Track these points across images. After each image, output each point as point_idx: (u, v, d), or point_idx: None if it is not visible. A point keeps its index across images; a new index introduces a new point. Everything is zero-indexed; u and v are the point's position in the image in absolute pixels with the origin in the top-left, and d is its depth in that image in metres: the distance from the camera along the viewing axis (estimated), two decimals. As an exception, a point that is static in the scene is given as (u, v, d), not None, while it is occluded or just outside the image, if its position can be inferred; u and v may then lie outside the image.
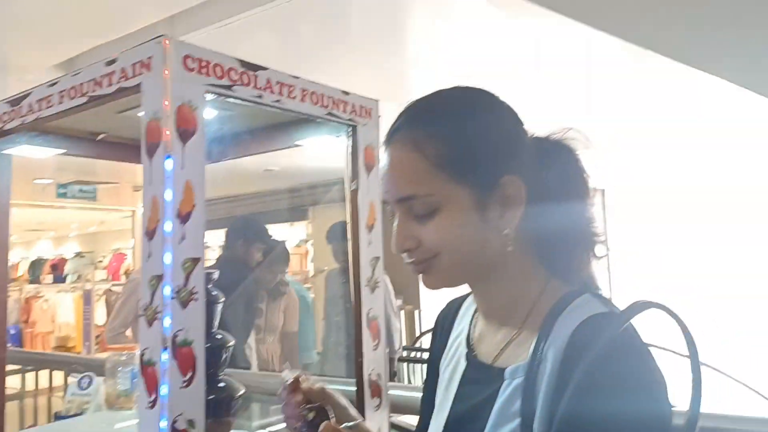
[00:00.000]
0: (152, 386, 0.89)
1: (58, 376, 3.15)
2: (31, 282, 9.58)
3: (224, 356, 1.24)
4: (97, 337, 6.25)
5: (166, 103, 0.93)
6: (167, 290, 0.89)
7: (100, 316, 7.49)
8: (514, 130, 0.80)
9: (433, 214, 0.75)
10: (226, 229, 3.27)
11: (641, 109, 4.31)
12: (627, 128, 4.83)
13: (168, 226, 0.91)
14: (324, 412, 0.85)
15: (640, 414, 0.65)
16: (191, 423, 0.90)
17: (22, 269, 10.09)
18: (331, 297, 4.06)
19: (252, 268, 3.20)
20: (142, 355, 0.91)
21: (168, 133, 0.92)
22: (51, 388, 3.25)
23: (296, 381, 0.88)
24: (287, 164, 5.38)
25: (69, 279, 9.22)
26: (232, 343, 1.26)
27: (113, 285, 8.35)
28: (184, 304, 0.92)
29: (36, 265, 10.18)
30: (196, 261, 0.94)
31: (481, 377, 0.80)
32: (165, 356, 0.89)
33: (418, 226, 0.76)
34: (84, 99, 1.10)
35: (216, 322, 1.26)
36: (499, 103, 0.81)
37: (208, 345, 1.21)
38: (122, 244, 9.24)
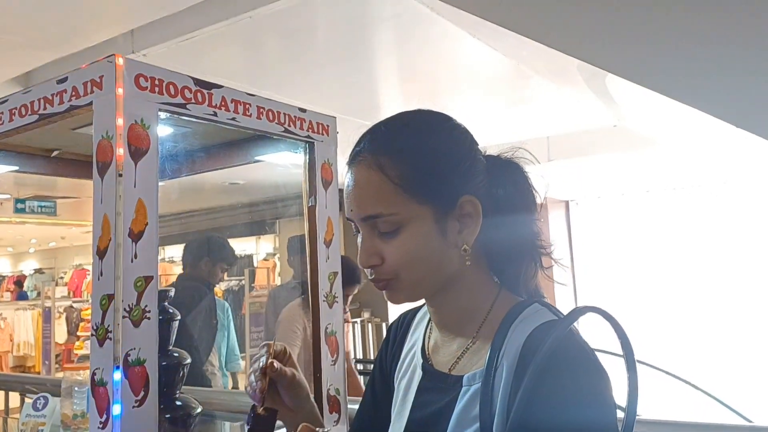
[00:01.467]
0: (103, 407, 0.88)
1: (15, 398, 3.06)
2: (-12, 300, 9.29)
3: (180, 374, 1.24)
4: (57, 356, 6.08)
5: (119, 121, 0.93)
6: (118, 310, 0.89)
7: (60, 334, 7.29)
8: (471, 153, 0.84)
9: (396, 232, 0.78)
10: (185, 246, 3.24)
11: (603, 121, 4.42)
12: (589, 140, 4.94)
13: (119, 245, 0.90)
14: (273, 414, 0.83)
15: (586, 419, 0.68)
16: (143, 443, 0.89)
17: (-21, 287, 9.79)
18: (272, 311, 3.98)
19: (213, 285, 3.17)
20: (93, 375, 0.90)
21: (119, 152, 0.92)
22: (8, 410, 3.15)
23: (266, 366, 0.86)
24: (252, 177, 5.35)
25: (29, 296, 8.98)
26: (188, 360, 1.25)
27: (74, 302, 8.15)
28: (137, 323, 0.91)
29: (-7, 283, 9.90)
30: (148, 280, 0.93)
31: (438, 386, 0.82)
32: (117, 376, 0.88)
33: (382, 244, 0.79)
34: (35, 117, 1.09)
35: (172, 340, 1.25)
36: (457, 126, 0.85)
37: (164, 363, 1.21)
38: (83, 259, 9.04)
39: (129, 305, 0.90)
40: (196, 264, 3.13)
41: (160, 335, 1.23)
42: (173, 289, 1.28)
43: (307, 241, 1.28)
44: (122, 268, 0.90)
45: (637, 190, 7.22)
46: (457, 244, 0.79)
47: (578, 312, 0.75)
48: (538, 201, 0.90)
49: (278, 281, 6.87)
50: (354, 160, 0.82)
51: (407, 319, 0.96)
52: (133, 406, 0.89)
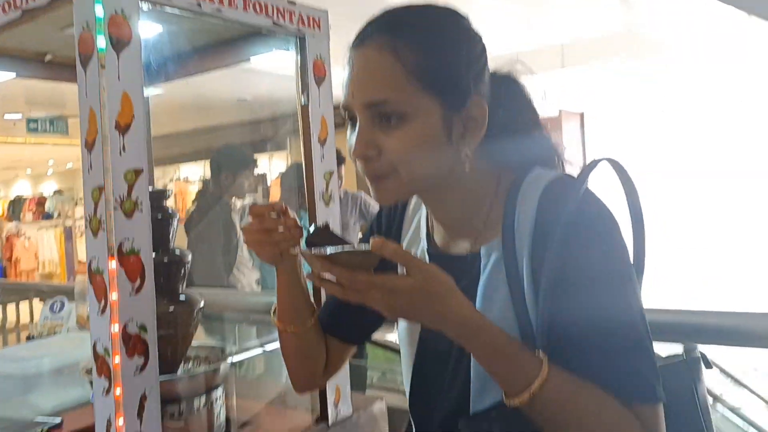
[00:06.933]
0: (101, 293, 0.91)
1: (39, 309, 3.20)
2: (11, 220, 9.53)
3: (183, 271, 1.27)
4: (80, 272, 6.30)
5: (98, 11, 0.91)
6: (109, 201, 0.90)
7: (82, 251, 7.50)
8: (484, 57, 0.81)
9: (400, 123, 0.74)
10: (208, 161, 3.18)
11: (619, 25, 4.25)
12: (605, 48, 4.78)
13: (106, 137, 0.91)
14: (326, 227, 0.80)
15: (616, 262, 0.72)
16: (143, 328, 0.93)
17: (1, 208, 10.02)
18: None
19: (237, 198, 3.12)
20: (90, 264, 0.93)
21: (101, 42, 0.91)
22: (33, 321, 3.31)
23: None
24: (259, 93, 5.30)
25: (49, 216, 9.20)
26: (189, 258, 1.28)
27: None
28: (129, 214, 0.93)
29: (16, 204, 10.11)
30: (138, 172, 0.94)
31: (452, 270, 0.78)
32: (112, 265, 0.91)
33: (381, 135, 0.75)
34: (18, 13, 1.07)
35: (172, 238, 1.28)
36: (472, 26, 0.81)
37: (166, 260, 1.25)
38: (101, 179, 9.13)
39: (120, 197, 0.92)
40: (217, 178, 3.09)
41: (161, 233, 1.27)
42: (169, 190, 1.30)
43: (301, 141, 1.28)
44: (111, 160, 0.91)
45: (652, 109, 7.05)
46: (459, 147, 0.77)
47: (591, 166, 0.76)
48: (542, 114, 0.89)
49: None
50: (363, 41, 0.77)
51: (399, 205, 0.95)
52: (130, 294, 0.92)
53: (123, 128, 0.93)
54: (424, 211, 0.90)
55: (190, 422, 1.21)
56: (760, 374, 3.42)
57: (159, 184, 9.71)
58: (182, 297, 1.28)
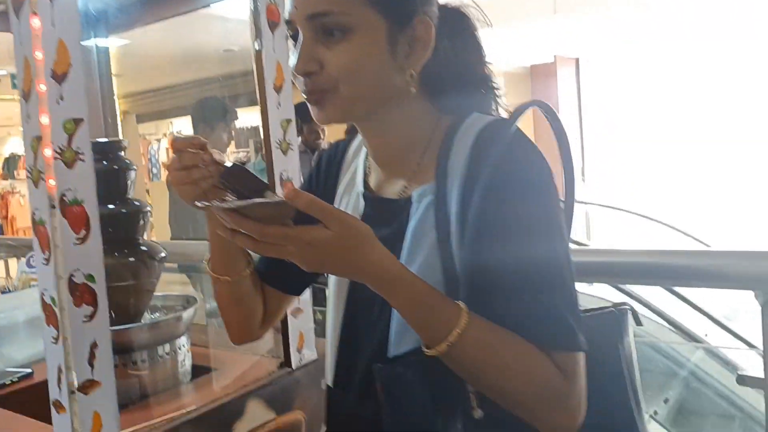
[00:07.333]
0: (45, 244, 0.91)
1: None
2: (6, 178, 9.51)
3: (141, 221, 1.27)
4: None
5: (27, -46, 0.88)
6: (47, 151, 0.89)
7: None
8: None
9: (343, 37, 0.72)
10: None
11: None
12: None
13: (42, 86, 0.89)
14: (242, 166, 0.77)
15: (543, 206, 0.71)
16: (90, 277, 0.94)
17: (-5, 166, 9.99)
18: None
19: (222, 149, 3.12)
20: (33, 215, 0.93)
21: (31, -13, 0.88)
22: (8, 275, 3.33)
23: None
24: (246, 44, 5.18)
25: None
26: (148, 208, 1.28)
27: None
28: (70, 164, 0.92)
29: (10, 162, 10.07)
30: (78, 122, 0.93)
31: (384, 214, 0.81)
32: (55, 215, 0.90)
33: (324, 49, 0.73)
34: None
35: (130, 189, 1.27)
36: None
37: (124, 210, 1.25)
38: (93, 135, 9.06)
39: (60, 147, 0.91)
40: (196, 131, 3.07)
41: (117, 184, 1.27)
42: (127, 141, 1.29)
43: (256, 88, 1.26)
44: (48, 109, 0.90)
45: (646, 44, 6.90)
46: (404, 66, 0.75)
47: (522, 108, 0.75)
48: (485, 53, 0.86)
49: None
50: None
51: (340, 148, 0.94)
52: (74, 243, 0.92)
53: (60, 77, 0.91)
54: (363, 155, 0.89)
55: (155, 370, 1.24)
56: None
57: (152, 139, 9.63)
58: (143, 247, 1.28)
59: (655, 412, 3.26)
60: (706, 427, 3.23)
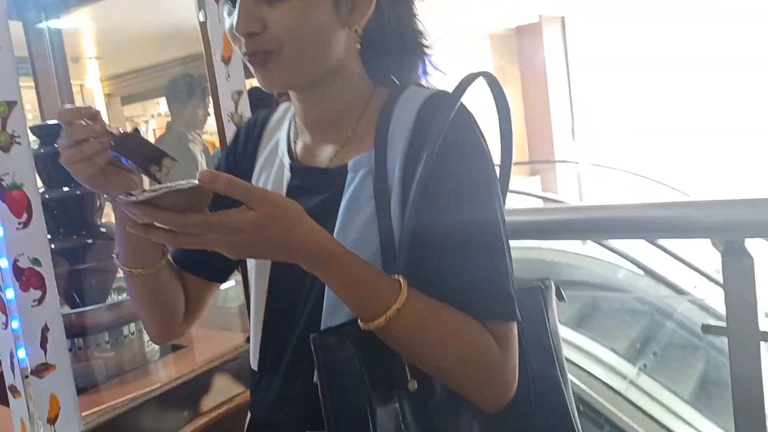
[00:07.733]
0: (-16, 230, 0.91)
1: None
2: None
3: (98, 203, 1.26)
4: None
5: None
6: (-21, 135, 0.88)
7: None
8: None
9: None
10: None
11: None
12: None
13: (-32, 69, 0.87)
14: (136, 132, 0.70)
15: (482, 175, 0.71)
16: (36, 261, 0.93)
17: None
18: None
19: (196, 131, 3.06)
20: (-29, 202, 0.92)
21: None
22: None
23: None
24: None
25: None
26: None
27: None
28: (5, 148, 0.91)
29: None
30: (11, 104, 0.92)
31: (314, 183, 0.78)
32: (-7, 201, 0.89)
33: (266, 8, 0.70)
34: None
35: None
36: None
37: (78, 192, 1.24)
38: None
39: (-8, 131, 0.90)
40: (170, 109, 3.03)
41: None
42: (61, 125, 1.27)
43: (204, 60, 1.23)
44: (-23, 93, 0.88)
45: (636, 11, 6.81)
46: (348, 22, 0.73)
47: (468, 80, 0.73)
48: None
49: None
50: None
51: (259, 121, 0.90)
52: (17, 228, 0.92)
53: (-13, 59, 0.89)
54: (286, 124, 0.86)
55: (121, 350, 1.24)
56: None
57: (140, 120, 9.54)
58: (102, 229, 1.28)
59: (645, 365, 3.30)
60: (693, 374, 3.28)
